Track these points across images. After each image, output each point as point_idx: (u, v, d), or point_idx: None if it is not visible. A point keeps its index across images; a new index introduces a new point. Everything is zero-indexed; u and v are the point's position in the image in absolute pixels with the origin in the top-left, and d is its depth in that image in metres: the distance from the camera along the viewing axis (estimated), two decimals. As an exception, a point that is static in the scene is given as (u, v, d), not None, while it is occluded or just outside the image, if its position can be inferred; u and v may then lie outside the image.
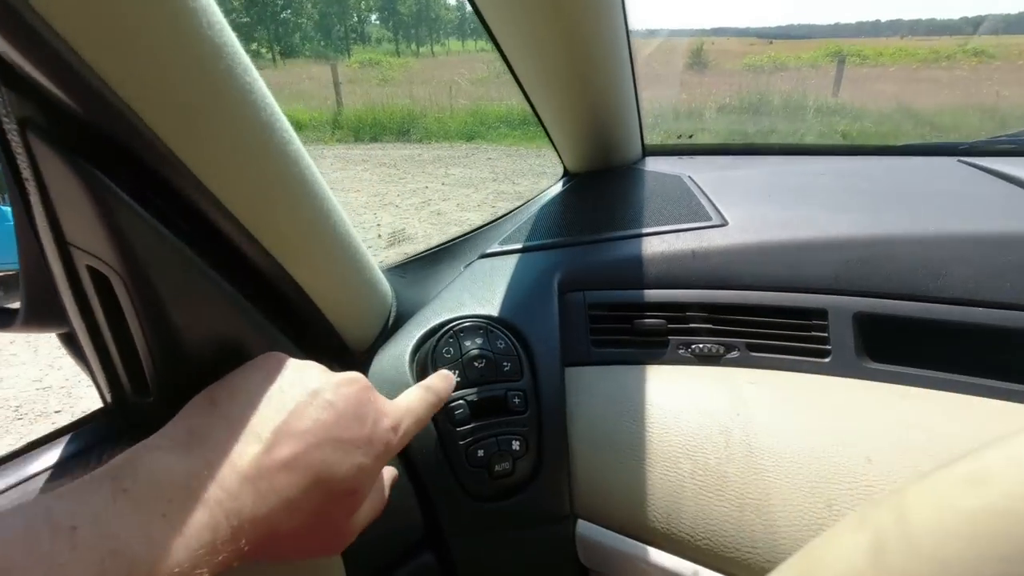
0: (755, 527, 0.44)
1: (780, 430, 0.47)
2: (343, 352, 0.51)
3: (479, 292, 0.60)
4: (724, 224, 0.65)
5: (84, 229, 0.29)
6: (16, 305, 0.44)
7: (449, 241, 0.72)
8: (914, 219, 0.60)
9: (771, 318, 0.57)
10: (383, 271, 0.56)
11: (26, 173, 0.29)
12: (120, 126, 0.27)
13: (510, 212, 0.79)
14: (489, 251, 0.67)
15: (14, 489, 0.34)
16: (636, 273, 0.62)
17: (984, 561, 0.13)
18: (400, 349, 0.53)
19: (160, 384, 0.35)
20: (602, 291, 0.62)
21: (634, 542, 0.48)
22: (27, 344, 2.68)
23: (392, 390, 0.49)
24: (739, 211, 0.67)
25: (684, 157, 0.96)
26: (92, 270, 0.30)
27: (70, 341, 0.45)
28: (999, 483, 0.14)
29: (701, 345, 0.58)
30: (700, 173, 0.82)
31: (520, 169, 5.99)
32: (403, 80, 11.87)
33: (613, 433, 0.51)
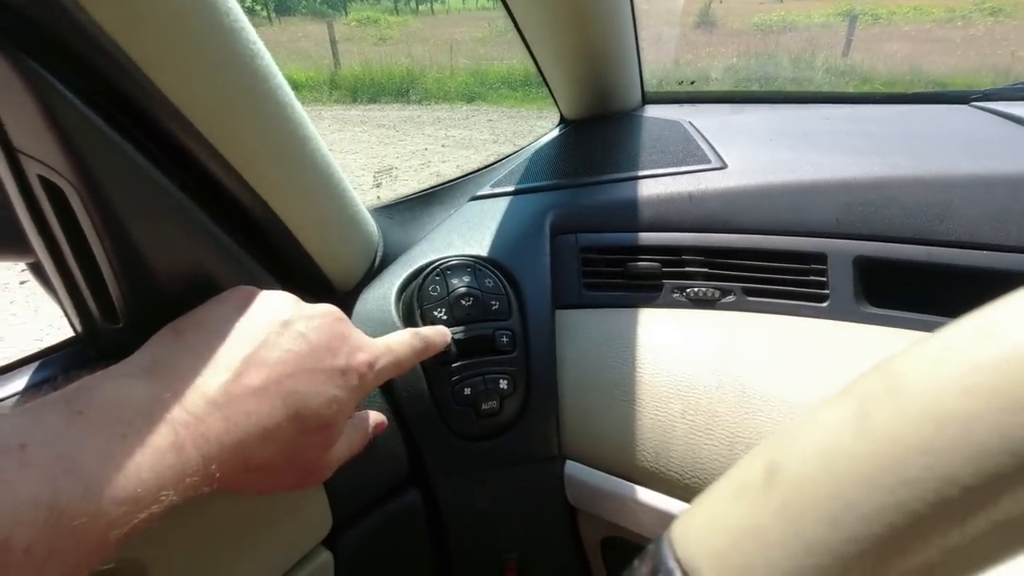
0: None
1: (774, 372, 0.46)
2: (327, 291, 0.49)
3: (468, 233, 0.58)
4: (723, 167, 0.62)
5: (30, 132, 0.27)
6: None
7: (439, 185, 0.69)
8: (920, 161, 0.58)
9: (769, 262, 0.55)
10: (369, 211, 0.54)
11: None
12: (65, 22, 0.25)
13: (502, 159, 0.76)
14: (480, 194, 0.65)
15: None
16: (630, 216, 0.61)
17: (983, 415, 0.12)
18: (385, 289, 0.52)
19: (129, 312, 0.34)
20: (595, 234, 0.60)
21: (623, 482, 0.48)
22: (27, 304, 2.68)
23: (377, 330, 0.48)
24: (739, 154, 0.64)
25: (686, 105, 0.93)
26: (44, 180, 0.28)
27: (38, 271, 0.43)
28: (1008, 335, 0.12)
29: (696, 289, 0.57)
30: (701, 119, 0.79)
31: (521, 131, 5.88)
32: (402, 39, 11.56)
33: (603, 374, 0.50)
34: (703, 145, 0.68)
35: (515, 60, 7.75)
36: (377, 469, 0.46)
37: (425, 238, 0.58)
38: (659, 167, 0.65)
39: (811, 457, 0.15)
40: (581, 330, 0.54)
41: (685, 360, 0.49)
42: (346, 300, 0.52)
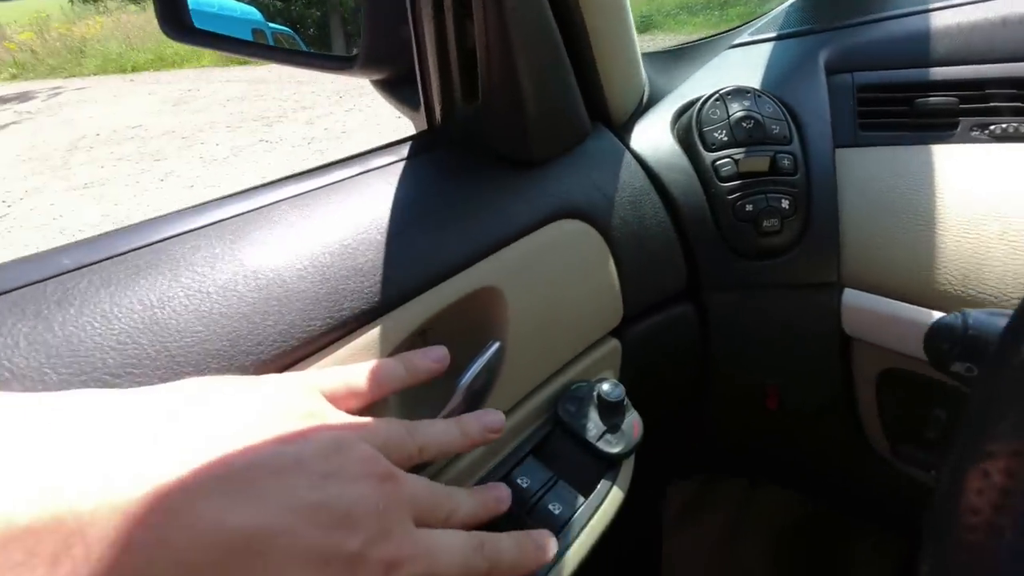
0: None
1: None
2: (606, 122, 0.53)
3: (736, 73, 0.58)
4: None
5: None
6: (355, 52, 0.52)
7: (693, 41, 0.69)
8: None
9: None
10: None
11: None
12: None
13: (758, 16, 0.73)
14: (741, 41, 0.64)
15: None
16: (919, 50, 0.55)
17: None
18: (659, 117, 0.54)
19: (488, 88, 0.40)
20: (875, 72, 0.56)
21: (918, 308, 0.46)
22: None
23: (654, 159, 0.51)
24: None
25: None
26: None
27: (388, 87, 0.53)
28: None
29: (1004, 125, 0.51)
30: None
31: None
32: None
33: (895, 202, 0.48)
34: None
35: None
36: (659, 277, 0.50)
37: (691, 78, 0.59)
38: (958, -2, 0.57)
39: None
40: (863, 165, 0.52)
41: (997, 188, 0.45)
42: (619, 134, 0.55)
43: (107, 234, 0.31)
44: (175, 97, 5.49)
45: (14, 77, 6.95)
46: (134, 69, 6.75)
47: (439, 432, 0.29)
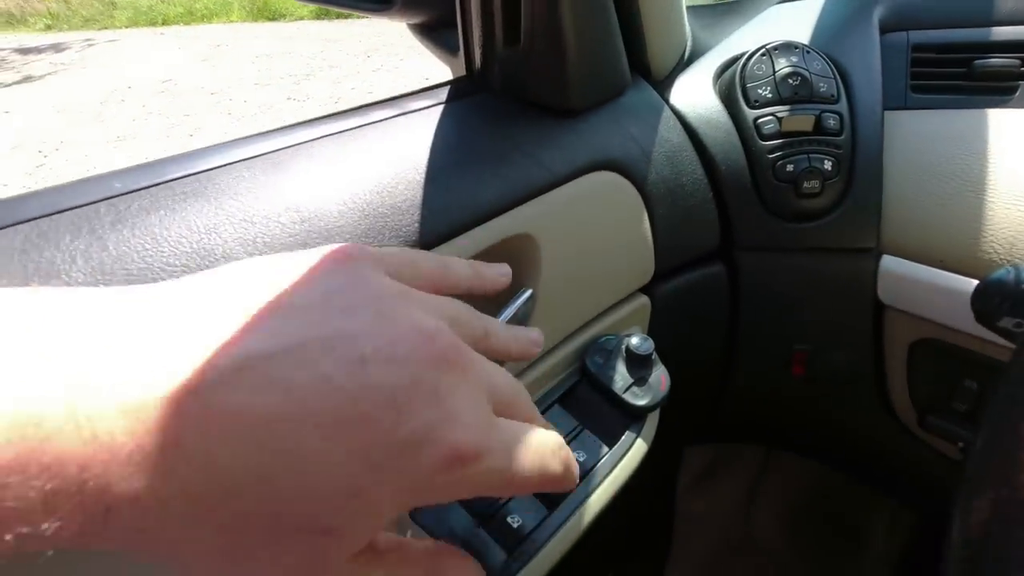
0: None
1: None
2: (646, 76, 0.52)
3: (784, 30, 0.56)
4: None
5: None
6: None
7: (735, -2, 0.67)
8: None
9: None
10: None
11: None
12: None
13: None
14: (788, -3, 0.61)
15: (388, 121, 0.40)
16: (980, 9, 0.53)
17: None
18: (701, 73, 0.53)
19: (531, 34, 0.39)
20: (931, 31, 0.54)
21: (959, 277, 0.45)
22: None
23: (694, 115, 0.50)
24: None
25: None
26: None
27: (426, 31, 0.52)
28: None
29: (1068, 90, 0.48)
30: None
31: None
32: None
33: (944, 167, 0.47)
34: None
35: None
36: (692, 235, 0.49)
37: (736, 33, 0.57)
38: (1029, -47, 0.54)
39: None
40: (913, 128, 0.50)
41: None
42: (660, 88, 0.54)
43: (157, 161, 0.31)
44: (204, 52, 5.49)
45: (49, 28, 7.01)
46: (164, 23, 6.75)
47: (499, 325, 0.26)
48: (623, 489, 0.40)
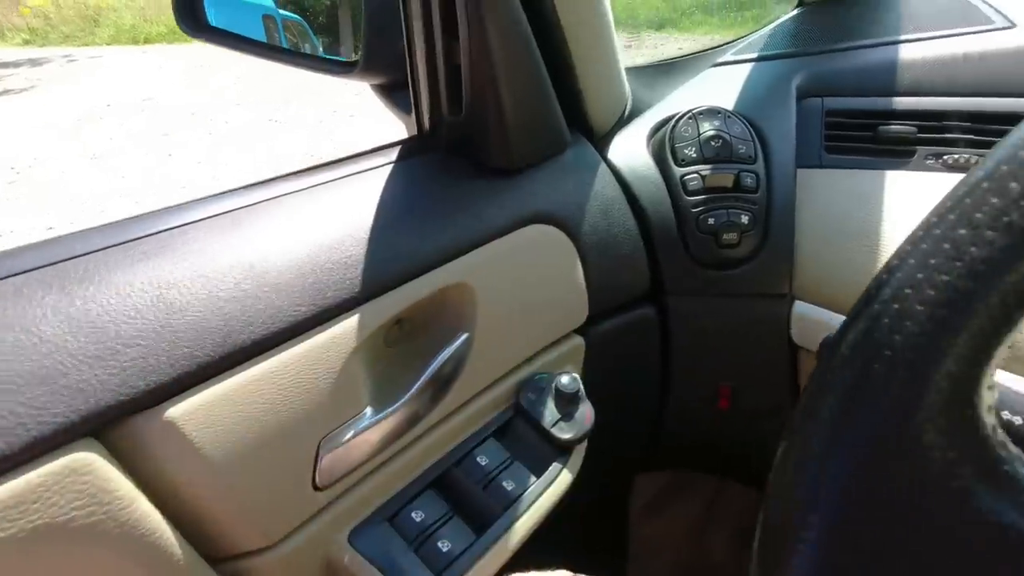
0: None
1: None
2: (586, 132, 0.57)
3: (714, 92, 0.61)
4: (1010, 26, 0.57)
5: None
6: (355, 58, 0.56)
7: (679, 57, 0.73)
8: None
9: None
10: None
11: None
12: None
13: (741, 37, 0.76)
14: (722, 60, 0.67)
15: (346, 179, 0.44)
16: (886, 80, 0.59)
17: None
18: (637, 132, 0.58)
19: (471, 102, 0.44)
20: (843, 98, 0.60)
21: None
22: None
23: (628, 166, 0.55)
24: None
25: None
26: None
27: (384, 91, 0.57)
28: None
29: (956, 156, 0.54)
30: None
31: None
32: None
33: (847, 224, 0.52)
34: (983, 7, 0.62)
35: (714, -19, 7.07)
36: (624, 280, 0.54)
37: (672, 96, 0.63)
38: (926, 30, 0.61)
39: None
40: (824, 186, 0.55)
41: None
42: (599, 146, 0.59)
43: (121, 221, 0.35)
44: (186, 71, 5.51)
45: (27, 43, 6.97)
46: (147, 41, 6.76)
47: None
48: (567, 514, 0.44)
